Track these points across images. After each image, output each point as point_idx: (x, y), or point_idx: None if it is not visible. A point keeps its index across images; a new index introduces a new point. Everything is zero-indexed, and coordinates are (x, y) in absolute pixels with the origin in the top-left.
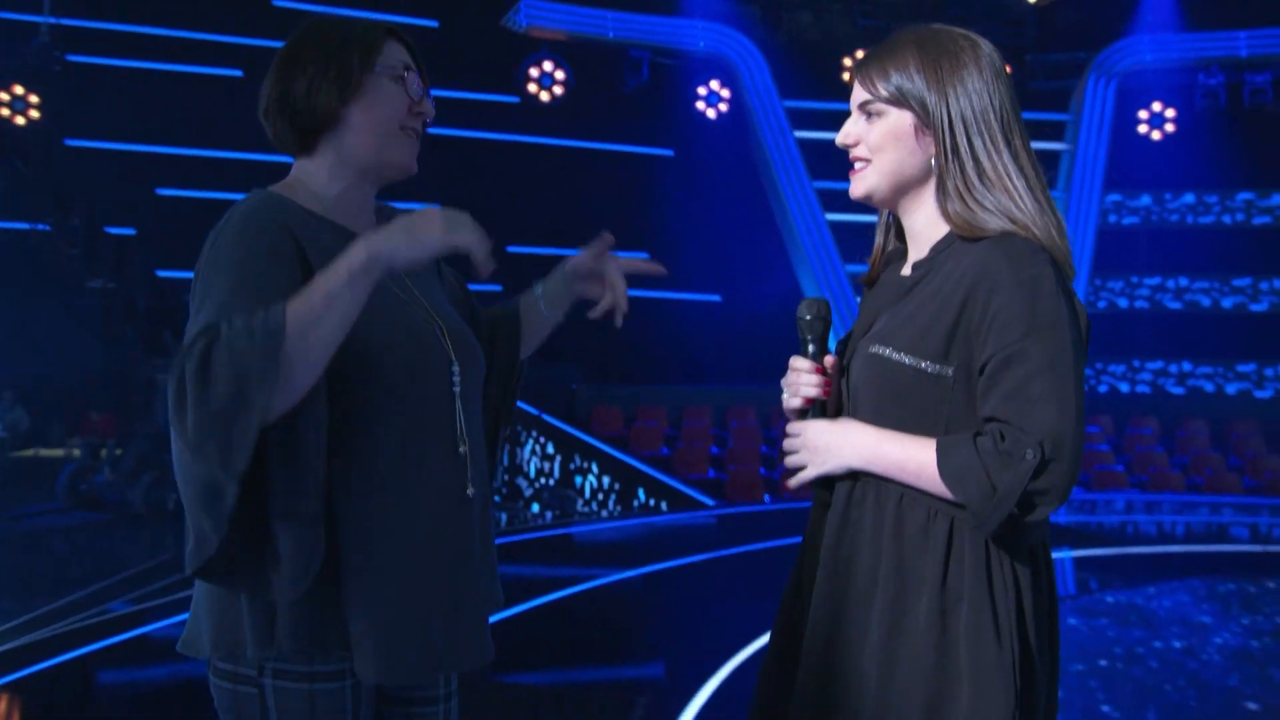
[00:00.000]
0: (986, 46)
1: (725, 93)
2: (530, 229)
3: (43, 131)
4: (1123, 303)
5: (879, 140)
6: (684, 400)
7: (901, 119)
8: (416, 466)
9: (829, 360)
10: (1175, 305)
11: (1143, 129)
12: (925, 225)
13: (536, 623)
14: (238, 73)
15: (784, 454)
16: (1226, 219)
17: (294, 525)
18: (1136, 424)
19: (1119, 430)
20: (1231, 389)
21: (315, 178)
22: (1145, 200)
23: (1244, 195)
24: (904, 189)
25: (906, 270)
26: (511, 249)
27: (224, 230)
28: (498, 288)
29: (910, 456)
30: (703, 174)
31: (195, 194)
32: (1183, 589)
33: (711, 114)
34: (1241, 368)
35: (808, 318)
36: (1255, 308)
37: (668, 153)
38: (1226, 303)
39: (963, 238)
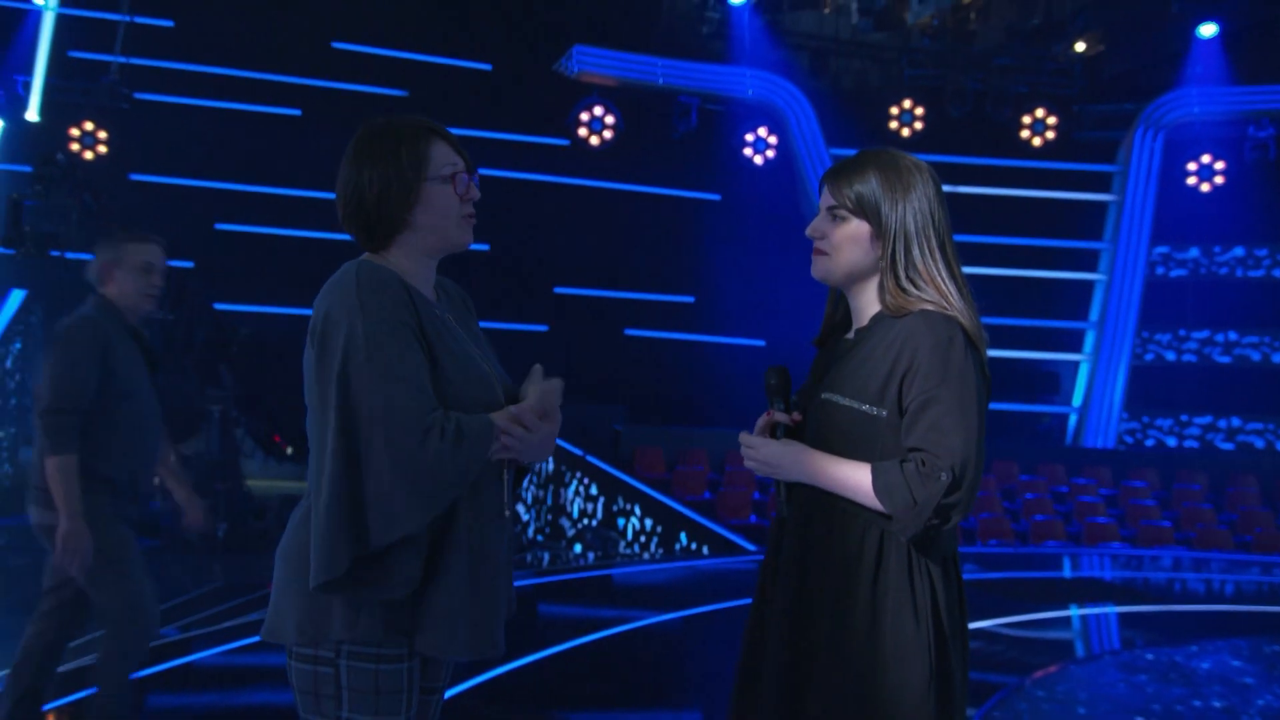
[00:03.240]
0: (930, 171)
1: (773, 139)
2: (577, 270)
3: (110, 166)
4: (1170, 355)
5: (839, 241)
6: (727, 445)
7: (860, 227)
8: (475, 493)
9: (795, 416)
10: (1224, 359)
11: (1191, 181)
12: (867, 303)
13: (578, 662)
14: (296, 112)
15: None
16: (1277, 273)
17: (413, 547)
18: (1184, 479)
19: (1166, 485)
20: None
21: (393, 260)
22: (1194, 253)
23: None
24: (854, 279)
25: (850, 335)
26: (559, 290)
27: (353, 281)
28: (544, 327)
29: (848, 475)
30: (749, 219)
31: (252, 229)
32: (1226, 648)
33: (759, 160)
34: None
35: (773, 382)
36: None
37: (715, 197)
38: (1277, 358)
39: (892, 314)
